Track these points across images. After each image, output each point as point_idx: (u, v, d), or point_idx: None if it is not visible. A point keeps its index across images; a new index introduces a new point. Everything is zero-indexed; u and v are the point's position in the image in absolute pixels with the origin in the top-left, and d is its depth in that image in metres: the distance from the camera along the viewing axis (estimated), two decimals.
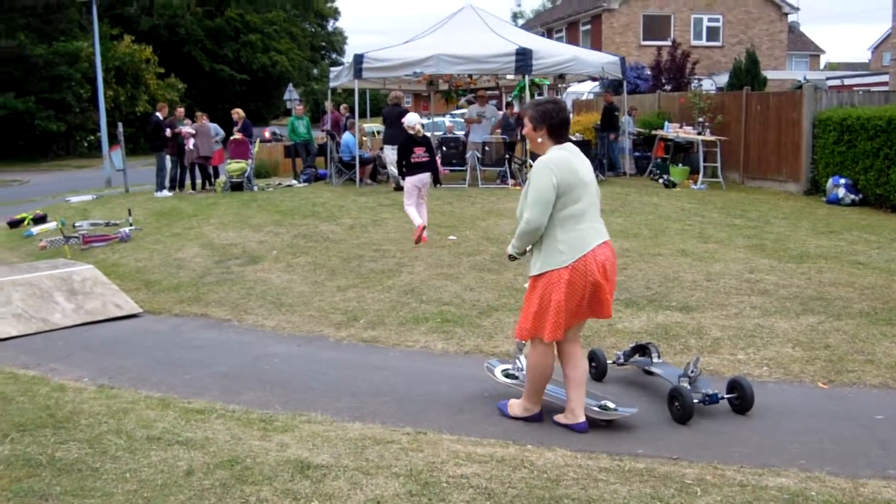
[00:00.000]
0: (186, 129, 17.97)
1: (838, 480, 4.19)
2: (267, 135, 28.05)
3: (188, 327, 8.17)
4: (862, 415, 5.22)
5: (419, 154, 10.78)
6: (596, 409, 5.15)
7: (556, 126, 4.92)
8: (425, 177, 10.87)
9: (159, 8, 51.17)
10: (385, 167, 18.24)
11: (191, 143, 17.93)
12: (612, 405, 5.20)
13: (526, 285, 5.18)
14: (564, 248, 4.79)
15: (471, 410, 5.47)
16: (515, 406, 5.23)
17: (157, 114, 18.54)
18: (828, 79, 27.12)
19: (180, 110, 19.62)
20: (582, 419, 5.03)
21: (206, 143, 18.09)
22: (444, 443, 4.74)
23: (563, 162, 4.84)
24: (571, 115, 23.93)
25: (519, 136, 17.31)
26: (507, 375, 5.70)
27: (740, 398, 5.25)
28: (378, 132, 34.71)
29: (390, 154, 15.91)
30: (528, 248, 5.08)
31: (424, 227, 10.58)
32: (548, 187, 4.77)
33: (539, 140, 4.97)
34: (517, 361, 5.64)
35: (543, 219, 4.81)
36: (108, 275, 9.66)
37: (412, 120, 11.05)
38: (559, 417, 5.15)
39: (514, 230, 5.04)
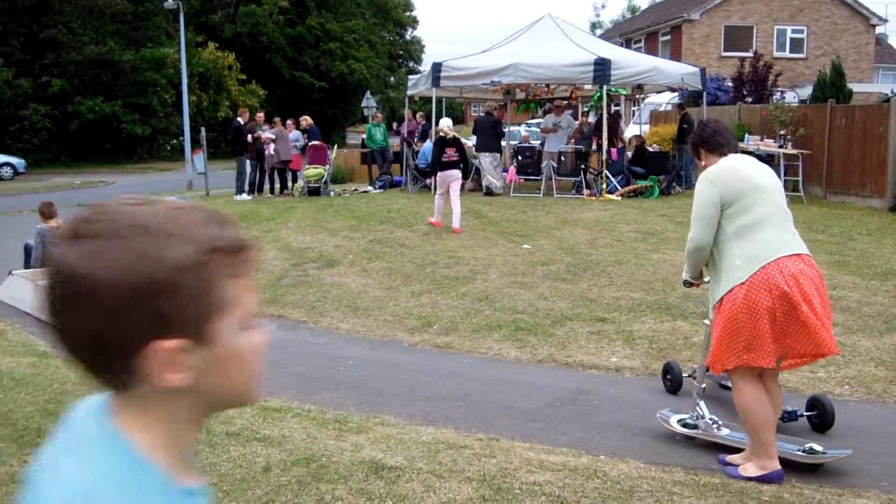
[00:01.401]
0: (267, 134, 18.34)
1: None
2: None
3: (265, 328, 8.32)
4: None
5: (450, 154, 12.42)
6: (800, 453, 4.62)
7: (708, 140, 4.60)
8: (455, 172, 12.40)
9: (242, 16, 52.33)
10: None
11: (271, 148, 18.29)
12: (819, 448, 4.64)
13: (706, 321, 4.83)
14: (741, 263, 4.26)
15: (543, 419, 5.47)
16: (748, 468, 4.43)
17: (239, 119, 18.97)
18: None
19: (260, 115, 20.02)
20: (777, 466, 4.39)
21: (285, 147, 18.43)
22: (516, 450, 4.75)
23: (725, 170, 4.45)
24: (648, 126, 23.71)
25: (595, 147, 17.22)
26: (685, 425, 5.06)
27: (820, 416, 5.14)
28: None
29: (485, 161, 16.76)
30: (704, 275, 4.71)
31: (458, 230, 11.96)
32: (708, 200, 4.37)
33: (703, 164, 4.65)
34: (697, 409, 5.00)
35: (708, 235, 4.39)
36: None
37: (445, 124, 12.88)
38: (746, 468, 4.47)
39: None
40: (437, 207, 12.60)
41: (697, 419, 5.00)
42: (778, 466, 4.36)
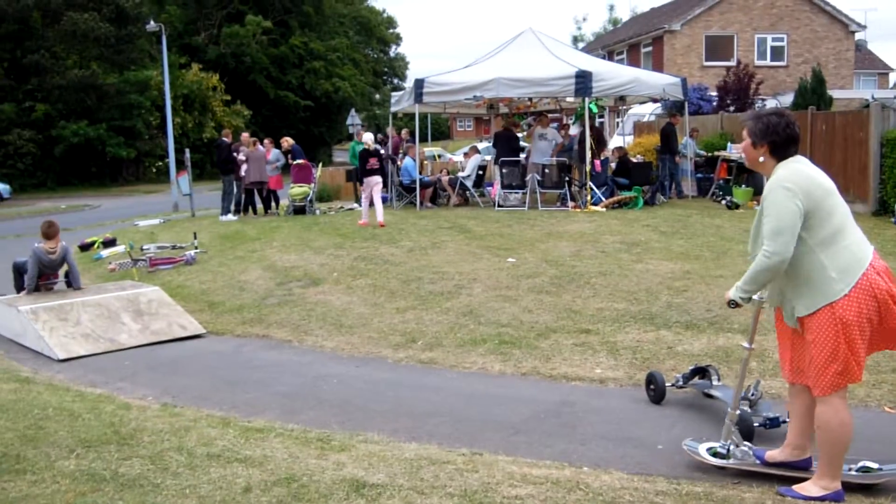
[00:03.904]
0: (239, 157, 18.34)
1: None
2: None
3: (250, 348, 8.31)
4: None
5: (373, 163, 15.13)
6: (853, 472, 4.39)
7: (780, 144, 4.20)
8: (377, 178, 15.23)
9: (226, 37, 52.40)
10: (445, 190, 18.37)
11: (243, 170, 18.32)
12: (873, 465, 4.44)
13: (745, 344, 4.62)
14: (837, 275, 4.02)
15: (527, 432, 5.46)
16: (809, 487, 4.23)
17: (224, 139, 18.97)
18: None
19: (245, 136, 19.94)
20: (839, 486, 4.24)
21: (257, 167, 18.40)
22: (499, 464, 4.73)
23: (801, 177, 4.10)
24: (632, 137, 23.80)
25: (577, 159, 17.27)
26: (716, 454, 4.71)
27: None
28: (439, 155, 35.02)
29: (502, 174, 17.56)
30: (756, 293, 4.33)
31: (383, 224, 14.28)
32: (790, 211, 4.02)
33: (761, 159, 4.26)
34: (732, 437, 4.69)
35: (790, 249, 4.03)
36: (174, 296, 9.89)
37: (367, 137, 16.02)
38: (805, 487, 4.26)
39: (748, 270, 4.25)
40: (364, 210, 15.16)
41: (730, 446, 4.68)
42: (839, 487, 4.21)
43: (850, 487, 4.27)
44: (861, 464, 4.43)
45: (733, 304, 4.35)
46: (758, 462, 4.63)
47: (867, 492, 4.29)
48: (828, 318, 4.04)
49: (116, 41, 41.97)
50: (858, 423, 5.33)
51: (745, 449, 4.67)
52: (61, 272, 10.39)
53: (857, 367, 4.06)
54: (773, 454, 4.59)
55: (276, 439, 5.24)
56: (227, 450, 4.93)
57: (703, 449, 4.80)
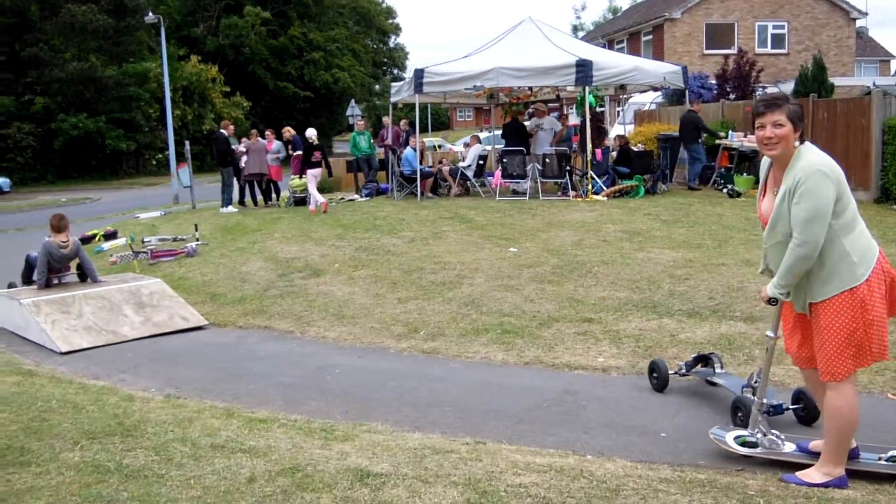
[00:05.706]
0: (240, 147, 18.34)
1: None
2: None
3: (252, 339, 8.32)
4: None
5: (317, 156, 16.93)
6: (883, 462, 4.33)
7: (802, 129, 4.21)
8: (320, 170, 17.11)
9: (225, 28, 52.30)
10: (445, 180, 18.35)
11: (243, 161, 18.31)
12: None
13: (769, 333, 4.56)
14: (858, 259, 4.01)
15: (530, 421, 5.46)
16: (812, 474, 4.22)
17: (222, 131, 18.93)
18: None
19: (253, 133, 19.81)
20: (842, 472, 4.22)
21: (257, 159, 18.40)
22: (503, 452, 4.73)
23: (830, 161, 4.05)
24: (633, 126, 23.78)
25: (573, 148, 17.25)
26: (744, 443, 4.64)
27: (806, 409, 5.13)
28: (439, 145, 34.97)
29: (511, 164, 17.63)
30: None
31: (326, 204, 16.20)
32: (830, 198, 3.96)
33: (797, 143, 4.17)
34: (759, 425, 4.63)
35: (822, 237, 3.98)
36: (175, 288, 9.90)
37: (311, 133, 17.48)
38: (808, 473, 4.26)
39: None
40: (318, 199, 16.49)
41: (758, 436, 4.63)
42: (843, 473, 4.19)
43: (852, 474, 4.26)
44: (892, 453, 4.38)
45: (773, 301, 4.30)
46: (795, 451, 4.58)
47: (870, 478, 4.29)
48: (847, 303, 4.02)
49: (115, 33, 41.92)
50: (863, 409, 5.32)
51: (773, 437, 4.62)
52: (73, 265, 10.26)
53: (877, 347, 4.04)
54: (816, 444, 4.53)
55: (280, 430, 5.25)
56: (230, 440, 4.94)
57: (730, 438, 4.74)
